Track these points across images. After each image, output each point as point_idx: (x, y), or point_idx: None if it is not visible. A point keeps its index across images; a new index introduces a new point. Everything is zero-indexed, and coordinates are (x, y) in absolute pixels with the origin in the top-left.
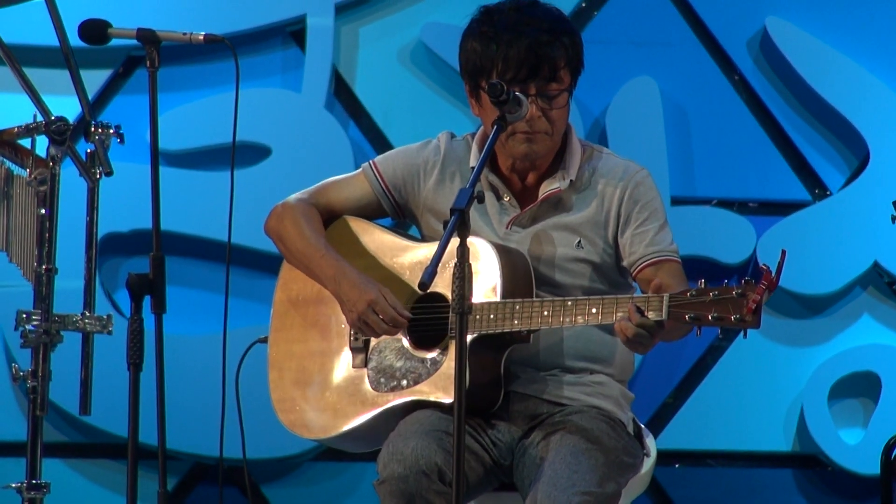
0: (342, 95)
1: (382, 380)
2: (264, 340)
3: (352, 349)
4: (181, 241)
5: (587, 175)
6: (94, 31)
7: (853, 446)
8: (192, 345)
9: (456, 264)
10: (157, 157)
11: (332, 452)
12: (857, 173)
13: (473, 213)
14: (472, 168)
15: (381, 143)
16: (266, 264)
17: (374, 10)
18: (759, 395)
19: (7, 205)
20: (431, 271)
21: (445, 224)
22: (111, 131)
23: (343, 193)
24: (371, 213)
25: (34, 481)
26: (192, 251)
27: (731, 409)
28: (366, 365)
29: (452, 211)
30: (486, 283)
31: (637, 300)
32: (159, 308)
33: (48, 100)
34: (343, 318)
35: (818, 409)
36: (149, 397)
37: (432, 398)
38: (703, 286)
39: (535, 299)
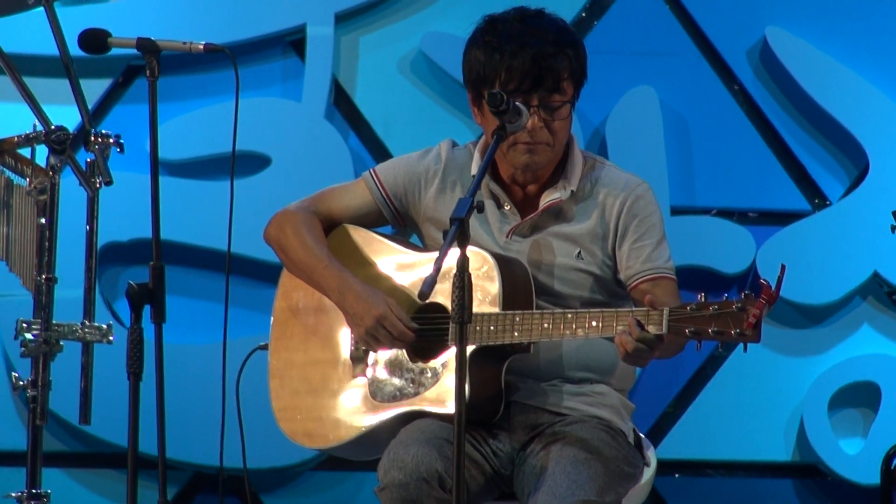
0: (342, 105)
1: (383, 389)
2: (264, 347)
3: (352, 358)
4: (181, 250)
5: (588, 186)
6: (94, 40)
7: (853, 456)
8: (192, 354)
9: (456, 274)
10: (156, 166)
11: (332, 461)
12: (856, 183)
13: (473, 222)
14: (474, 176)
15: (380, 153)
16: (266, 274)
17: (374, 20)
18: (759, 404)
19: (7, 214)
20: (431, 281)
21: (445, 233)
22: (111, 141)
23: (343, 201)
24: (372, 221)
25: (34, 491)
26: (191, 260)
27: (730, 419)
28: (366, 374)
29: (452, 220)
30: (486, 295)
31: (637, 314)
32: (159, 317)
33: (48, 109)
34: (343, 327)
35: (818, 418)
36: (149, 406)
37: (433, 409)
38: (703, 300)
39: (535, 311)
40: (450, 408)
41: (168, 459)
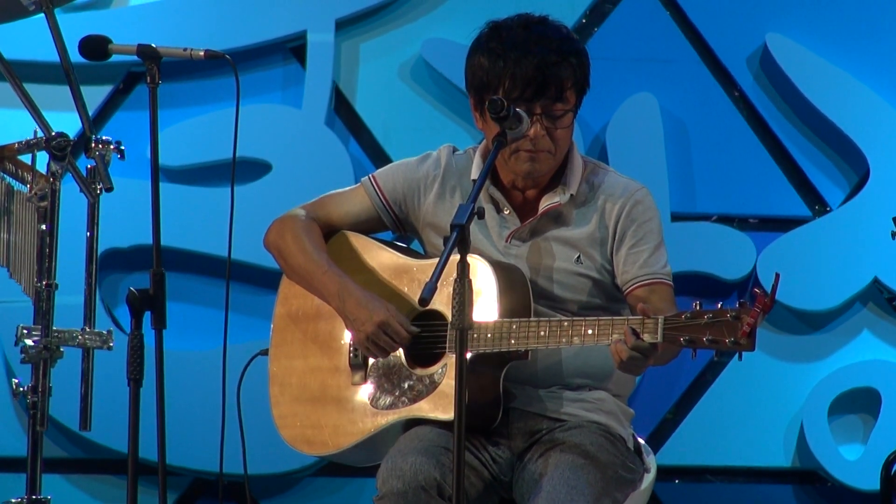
0: (342, 111)
1: (382, 397)
2: (265, 353)
3: (351, 366)
4: (181, 256)
5: (588, 191)
6: (95, 46)
7: (853, 462)
8: (193, 360)
9: (456, 280)
10: (157, 172)
11: (332, 468)
12: (857, 189)
13: (473, 227)
14: (474, 181)
15: (381, 159)
16: (266, 280)
17: (374, 27)
18: (758, 410)
19: (7, 220)
20: (432, 287)
21: (446, 239)
22: (112, 147)
23: (343, 207)
24: (371, 227)
25: (34, 497)
26: (192, 267)
27: (730, 425)
28: (365, 381)
29: (452, 227)
30: (484, 303)
31: (632, 322)
32: (159, 324)
33: (49, 115)
34: (342, 333)
35: (818, 424)
36: (149, 413)
37: (431, 416)
38: (697, 308)
39: (531, 319)
40: (449, 414)
41: (168, 465)
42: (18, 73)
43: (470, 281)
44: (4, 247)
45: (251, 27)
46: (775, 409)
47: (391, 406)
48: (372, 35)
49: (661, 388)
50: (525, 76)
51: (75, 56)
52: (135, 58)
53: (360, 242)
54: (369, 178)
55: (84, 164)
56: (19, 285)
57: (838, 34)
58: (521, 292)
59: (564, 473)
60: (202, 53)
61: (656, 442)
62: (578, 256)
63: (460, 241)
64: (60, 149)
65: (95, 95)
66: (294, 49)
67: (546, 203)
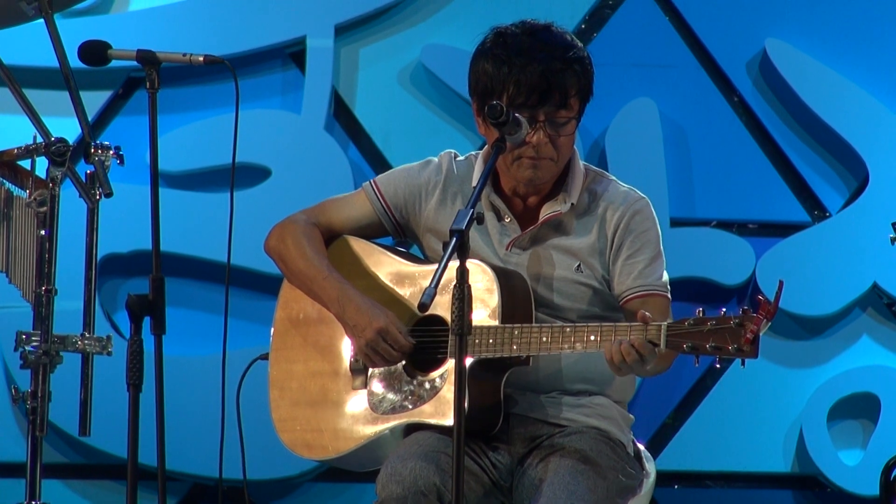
0: (342, 117)
1: (383, 401)
2: (265, 357)
3: (352, 370)
4: (181, 262)
5: (589, 200)
6: (94, 52)
7: (852, 467)
8: (192, 366)
9: (455, 286)
10: (156, 178)
11: (331, 473)
12: (856, 195)
13: (473, 233)
14: (475, 187)
15: (380, 165)
16: (266, 285)
17: (373, 32)
18: (758, 415)
19: (7, 226)
20: (431, 292)
21: (445, 245)
22: (111, 152)
23: (344, 212)
24: (372, 232)
25: (34, 502)
26: (191, 272)
27: (730, 430)
28: (366, 386)
29: (452, 232)
30: (486, 307)
31: (635, 329)
32: (159, 329)
33: (48, 121)
34: (343, 338)
35: (817, 429)
36: (148, 418)
37: (432, 421)
38: (700, 315)
39: (533, 325)
40: (449, 420)
41: (167, 471)
42: (18, 79)
43: (469, 286)
44: (4, 252)
45: (250, 32)
46: (775, 414)
47: (392, 411)
48: (371, 40)
49: (660, 393)
50: (529, 83)
51: (75, 61)
52: (134, 63)
53: (362, 247)
54: (370, 184)
55: (83, 169)
56: (19, 291)
57: (837, 39)
58: (522, 298)
59: (564, 479)
60: (202, 59)
61: (656, 447)
62: (578, 265)
63: (459, 246)
64: (60, 154)
65: (95, 101)
66: (293, 54)
67: (547, 211)
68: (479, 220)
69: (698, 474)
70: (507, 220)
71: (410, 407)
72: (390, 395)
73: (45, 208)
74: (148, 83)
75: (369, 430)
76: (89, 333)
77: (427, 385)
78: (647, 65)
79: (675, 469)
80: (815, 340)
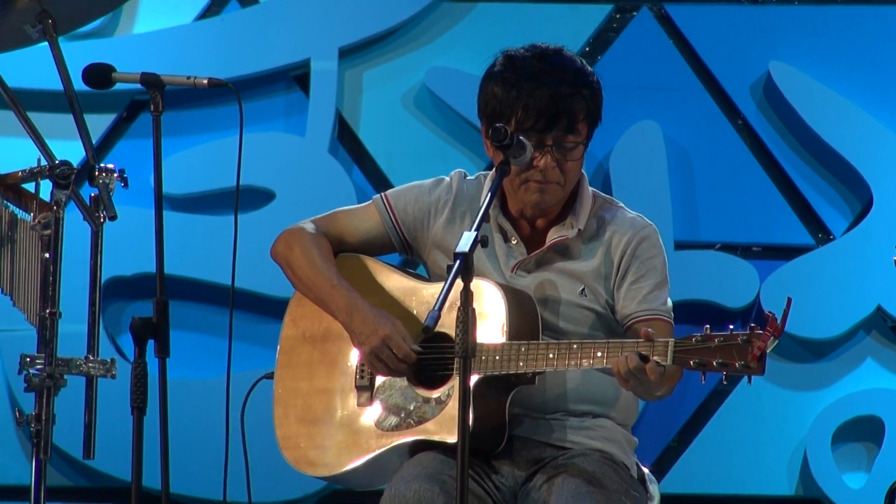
0: (346, 139)
1: (387, 418)
2: (270, 376)
3: (357, 387)
4: (185, 285)
5: (596, 225)
6: (98, 75)
7: (857, 490)
8: (196, 389)
9: (459, 308)
10: (160, 201)
11: (335, 495)
12: (860, 217)
13: (480, 255)
14: (480, 209)
15: (384, 188)
16: (270, 308)
17: (377, 55)
18: (762, 438)
19: (11, 249)
20: (435, 315)
21: (450, 267)
22: (115, 175)
23: (353, 224)
24: (378, 246)
25: None
26: (195, 295)
27: (734, 453)
28: (371, 403)
29: (456, 255)
30: (493, 325)
31: (642, 345)
32: (163, 352)
33: (52, 144)
34: (349, 355)
35: (822, 453)
36: (152, 441)
37: (437, 438)
38: (707, 332)
39: (540, 342)
40: (453, 437)
41: (171, 494)
42: (22, 102)
43: (474, 310)
44: (8, 275)
45: (254, 55)
46: (779, 437)
47: (397, 427)
48: (375, 63)
49: (664, 415)
50: (538, 107)
51: (79, 84)
52: (138, 86)
53: (370, 264)
54: (381, 197)
55: (87, 192)
56: (23, 313)
57: (841, 63)
58: (529, 316)
59: (568, 501)
60: (206, 82)
61: (660, 470)
62: (583, 289)
63: (464, 269)
64: (64, 177)
65: (99, 124)
66: (297, 77)
67: (554, 236)
68: (484, 243)
69: (702, 497)
70: (513, 243)
71: (415, 424)
72: (395, 412)
73: (49, 231)
74: (152, 106)
75: (374, 446)
76: (93, 356)
77: (432, 402)
78: (651, 88)
79: (679, 492)
80: (820, 363)
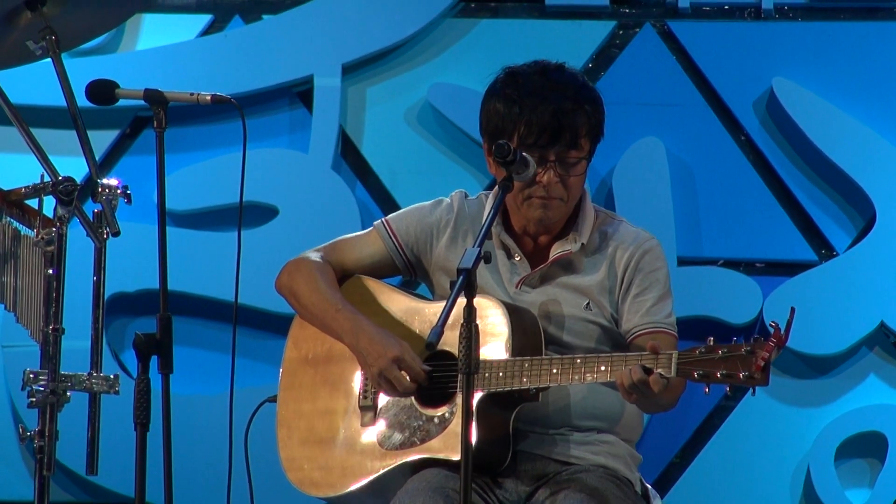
0: (349, 156)
1: (391, 437)
2: (273, 400)
3: (360, 407)
4: (188, 301)
5: (598, 240)
6: (102, 91)
7: None
8: (200, 405)
9: (463, 325)
10: (164, 217)
11: None
12: (863, 233)
13: (483, 272)
14: (483, 225)
15: (388, 204)
16: (273, 325)
17: (381, 71)
18: (765, 455)
19: (14, 265)
20: (438, 332)
21: (452, 283)
22: (118, 191)
23: (356, 251)
24: (383, 270)
25: None
26: (199, 311)
27: (737, 470)
28: (374, 423)
29: (459, 271)
30: (496, 341)
31: (646, 358)
32: (166, 368)
33: (55, 160)
34: (352, 376)
35: (825, 469)
36: (156, 457)
37: (441, 456)
38: (711, 343)
39: (543, 357)
40: (457, 454)
41: None
42: (25, 118)
43: (477, 326)
44: (11, 291)
45: (258, 72)
46: (782, 453)
47: (401, 446)
48: (378, 79)
49: (668, 431)
50: (540, 123)
51: (82, 100)
52: (142, 102)
53: (373, 286)
54: (382, 223)
55: (91, 208)
56: (26, 330)
57: (844, 79)
58: (532, 332)
59: None
60: (209, 98)
61: (663, 486)
62: (588, 303)
63: (467, 285)
64: (67, 193)
65: (102, 140)
66: (301, 93)
67: (557, 251)
68: (487, 259)
69: None
70: (517, 259)
71: (419, 442)
72: (399, 431)
73: (52, 247)
74: (155, 122)
75: (377, 466)
76: (97, 372)
77: (436, 420)
78: (654, 104)
79: None
80: (823, 379)
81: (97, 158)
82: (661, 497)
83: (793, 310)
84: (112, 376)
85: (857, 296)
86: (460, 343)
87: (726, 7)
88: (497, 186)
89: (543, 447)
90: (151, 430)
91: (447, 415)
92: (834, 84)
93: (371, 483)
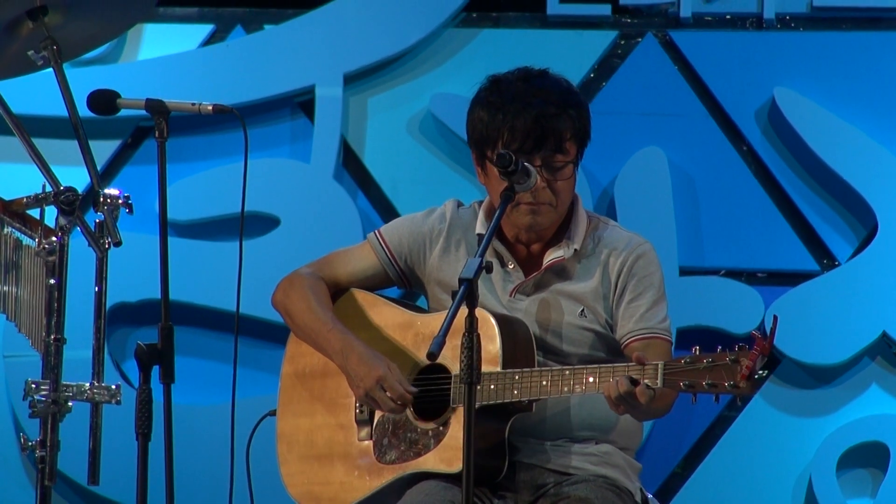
0: (351, 166)
1: (388, 451)
2: (273, 413)
3: (357, 422)
4: (190, 311)
5: (592, 245)
6: (103, 101)
7: None
8: (201, 415)
9: (464, 334)
10: (165, 227)
11: None
12: (865, 243)
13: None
14: (479, 235)
15: (389, 214)
16: (274, 335)
17: (382, 81)
18: (767, 465)
19: (16, 275)
20: (440, 341)
21: (453, 294)
22: (120, 201)
23: (350, 264)
24: (378, 282)
25: None
26: (200, 321)
27: (739, 480)
28: (371, 437)
29: (461, 281)
30: (487, 354)
31: (633, 369)
32: (168, 378)
33: (57, 170)
34: (348, 390)
35: (827, 479)
36: (157, 467)
37: (437, 469)
38: (696, 353)
39: (534, 369)
40: (454, 467)
41: None
42: (27, 128)
43: (479, 335)
44: (13, 301)
45: (259, 82)
46: (784, 463)
47: (397, 460)
48: (380, 89)
49: (669, 442)
50: (524, 128)
51: (84, 110)
52: (143, 112)
53: (367, 299)
54: (375, 234)
55: (92, 218)
56: (28, 340)
57: (846, 88)
58: (524, 344)
59: None
60: (210, 108)
61: (665, 496)
62: (582, 310)
63: (468, 295)
64: (69, 203)
65: (104, 150)
66: (302, 103)
67: (550, 257)
68: (489, 268)
69: None
70: (510, 267)
71: (415, 456)
72: (395, 445)
73: (54, 257)
74: (157, 132)
75: (375, 480)
76: (98, 382)
77: (431, 433)
78: (655, 114)
79: None
80: (824, 389)
81: (99, 168)
82: None
83: (775, 318)
84: (114, 386)
85: (858, 306)
86: (461, 353)
87: (728, 17)
88: (490, 195)
89: (541, 457)
90: (153, 441)
91: (441, 427)
92: (836, 94)
93: (370, 497)
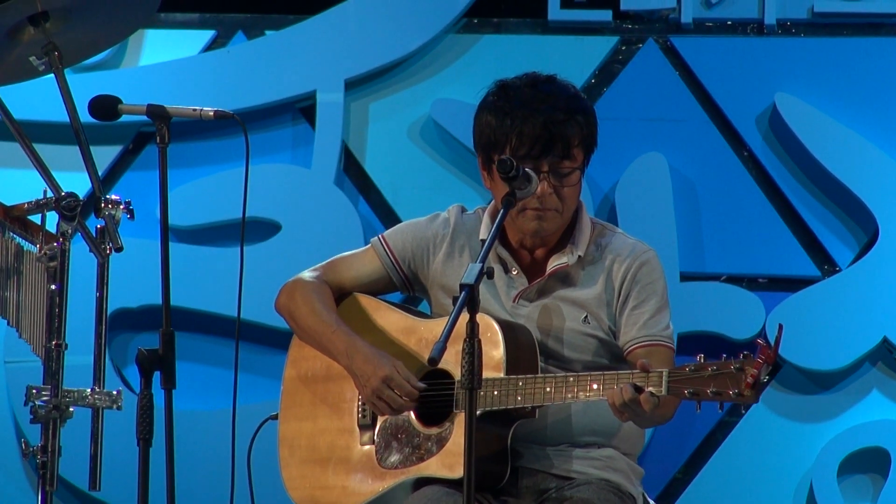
0: (352, 171)
1: (390, 456)
2: (275, 418)
3: (360, 426)
4: (191, 316)
5: (595, 252)
6: (105, 107)
7: None
8: (202, 420)
9: (466, 340)
10: (167, 232)
11: None
12: (866, 249)
13: (481, 286)
14: (482, 241)
15: (390, 219)
16: (276, 340)
17: (383, 87)
18: (768, 470)
19: (17, 280)
20: (441, 347)
21: (455, 299)
22: (121, 207)
23: (353, 269)
24: (381, 287)
25: None
26: (201, 327)
27: (740, 485)
28: (373, 442)
29: (462, 287)
30: (491, 360)
31: (637, 377)
32: (169, 383)
33: (58, 176)
34: (351, 394)
35: (827, 484)
36: (158, 473)
37: (439, 474)
38: (701, 361)
39: (537, 375)
40: (456, 472)
41: None
42: (28, 134)
43: (480, 341)
44: (14, 307)
45: (260, 87)
46: (785, 468)
47: (399, 465)
48: (381, 95)
49: (671, 446)
50: (532, 134)
51: (85, 116)
52: (144, 118)
53: (370, 304)
54: (379, 239)
55: (94, 223)
56: (29, 345)
57: (847, 94)
58: (527, 350)
59: None
60: (212, 113)
61: (666, 501)
62: (586, 317)
63: (469, 300)
64: (70, 209)
65: (105, 155)
66: (303, 109)
67: (554, 264)
68: (490, 274)
69: None
70: (513, 273)
71: (418, 461)
72: (398, 450)
73: (55, 263)
74: (158, 138)
75: (377, 485)
76: (99, 388)
77: (434, 438)
78: (657, 119)
79: None
80: (825, 395)
81: (100, 174)
82: None
83: (780, 326)
84: (115, 392)
85: (859, 311)
86: (462, 359)
87: (729, 23)
88: (493, 203)
89: (544, 462)
90: (154, 446)
91: (445, 433)
92: (837, 99)
93: (372, 502)
